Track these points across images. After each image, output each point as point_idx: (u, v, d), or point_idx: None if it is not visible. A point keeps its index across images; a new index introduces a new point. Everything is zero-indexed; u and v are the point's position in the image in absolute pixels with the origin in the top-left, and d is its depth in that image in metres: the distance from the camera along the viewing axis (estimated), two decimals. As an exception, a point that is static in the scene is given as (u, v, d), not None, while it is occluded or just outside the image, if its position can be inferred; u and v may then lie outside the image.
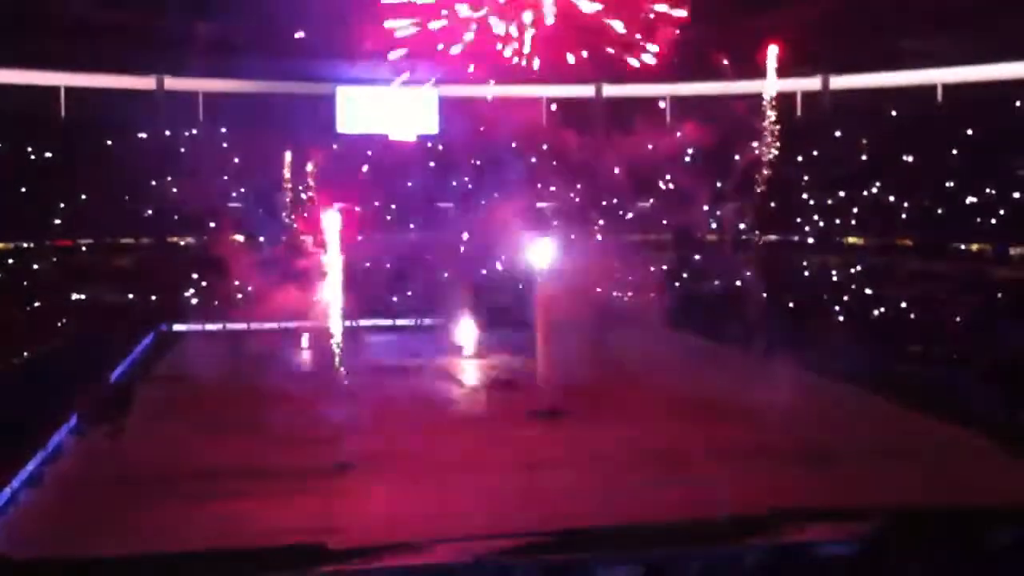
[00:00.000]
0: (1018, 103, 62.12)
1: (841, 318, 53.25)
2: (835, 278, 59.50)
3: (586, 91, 75.19)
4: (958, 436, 32.99)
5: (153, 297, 59.81)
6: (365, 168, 69.08)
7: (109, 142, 67.23)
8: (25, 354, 43.26)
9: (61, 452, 32.27)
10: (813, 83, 71.54)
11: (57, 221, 63.35)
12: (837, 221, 63.09)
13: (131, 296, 59.59)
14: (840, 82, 71.22)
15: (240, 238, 64.19)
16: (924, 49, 65.93)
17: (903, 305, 51.72)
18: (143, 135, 70.37)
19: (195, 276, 60.81)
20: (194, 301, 60.48)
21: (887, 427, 34.86)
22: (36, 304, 53.37)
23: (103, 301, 57.98)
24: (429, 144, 73.76)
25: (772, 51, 59.66)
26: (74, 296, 57.79)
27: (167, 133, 71.02)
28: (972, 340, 43.50)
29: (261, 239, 62.63)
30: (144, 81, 71.62)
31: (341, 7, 61.27)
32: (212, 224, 64.03)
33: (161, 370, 48.20)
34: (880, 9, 65.16)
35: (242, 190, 66.16)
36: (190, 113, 73.52)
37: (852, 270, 59.29)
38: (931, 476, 28.35)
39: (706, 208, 65.58)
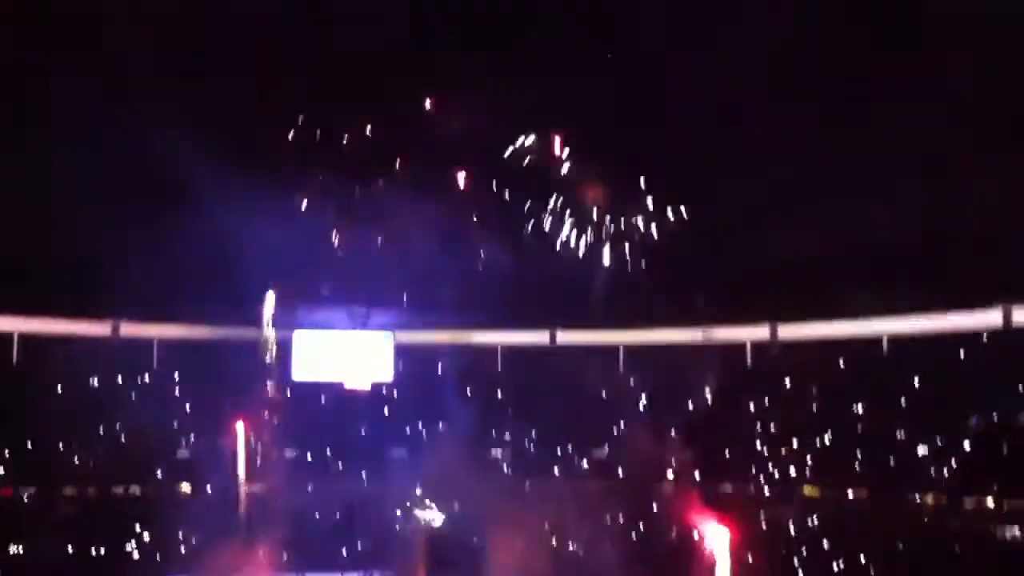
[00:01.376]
0: (962, 354, 63.38)
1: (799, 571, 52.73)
2: (791, 530, 59.16)
3: (540, 337, 76.03)
4: None
5: (95, 549, 58.15)
6: (318, 415, 68.72)
7: (60, 388, 66.39)
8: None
9: None
10: (762, 332, 72.84)
11: (0, 470, 61.92)
12: (792, 471, 63.01)
13: (71, 549, 57.83)
14: (788, 331, 72.56)
15: (187, 488, 63.05)
16: (868, 300, 67.55)
17: (862, 560, 51.31)
18: (94, 381, 69.69)
19: (139, 528, 59.44)
20: (137, 555, 59.04)
21: None
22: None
23: (43, 553, 56.29)
24: (384, 391, 73.75)
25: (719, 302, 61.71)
26: (12, 549, 56.01)
27: (119, 380, 70.41)
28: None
29: (208, 489, 61.38)
30: (99, 327, 71.49)
31: (300, 255, 62.68)
32: (159, 473, 63.03)
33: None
34: (825, 260, 67.14)
35: (191, 438, 65.25)
36: (144, 359, 73.16)
37: (808, 521, 59.09)
38: None
39: (661, 456, 65.57)
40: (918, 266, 62.92)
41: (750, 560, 54.65)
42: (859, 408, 64.59)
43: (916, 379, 63.59)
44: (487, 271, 62.37)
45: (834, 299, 68.43)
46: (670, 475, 65.95)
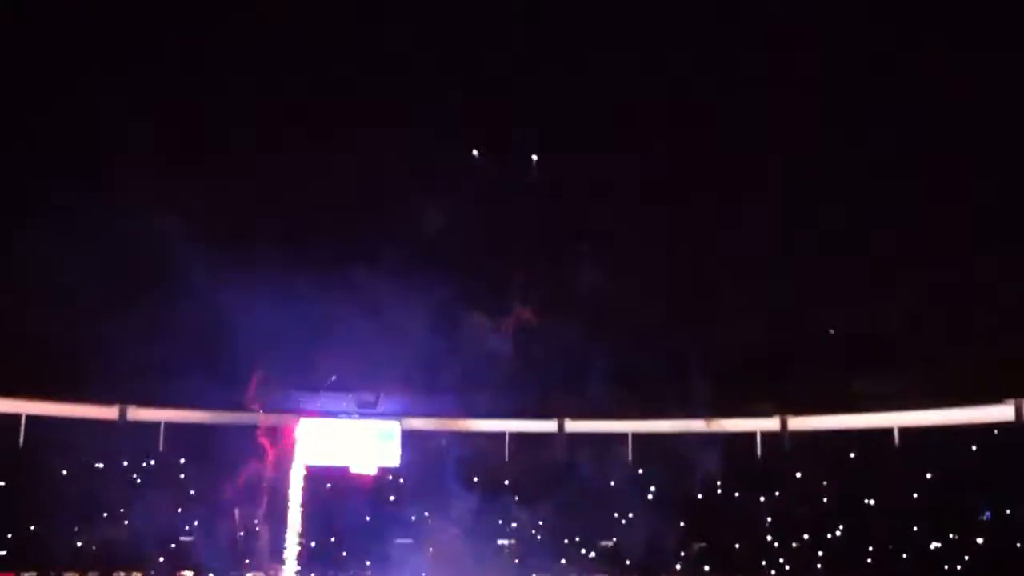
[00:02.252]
0: (974, 447, 62.93)
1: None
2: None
3: (548, 426, 75.66)
4: None
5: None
6: (323, 500, 68.12)
7: (65, 471, 66.05)
8: None
9: None
10: (772, 423, 72.43)
11: (2, 552, 61.30)
12: (801, 563, 62.07)
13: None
14: (798, 423, 72.15)
15: (190, 574, 62.32)
16: (878, 391, 67.26)
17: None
18: (100, 464, 69.41)
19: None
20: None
21: None
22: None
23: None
24: (390, 477, 73.22)
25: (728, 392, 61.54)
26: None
27: (124, 463, 70.10)
28: None
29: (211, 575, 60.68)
30: (107, 411, 71.47)
31: (306, 341, 62.87)
32: (161, 559, 62.32)
33: None
34: (833, 350, 67.17)
35: (195, 523, 64.65)
36: (150, 442, 73.02)
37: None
38: None
39: (669, 546, 64.86)
40: (930, 359, 62.94)
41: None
42: (871, 501, 63.89)
43: (928, 473, 63.05)
44: (494, 359, 62.51)
45: (844, 391, 68.29)
46: (678, 567, 65.17)
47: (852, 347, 66.94)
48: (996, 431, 63.57)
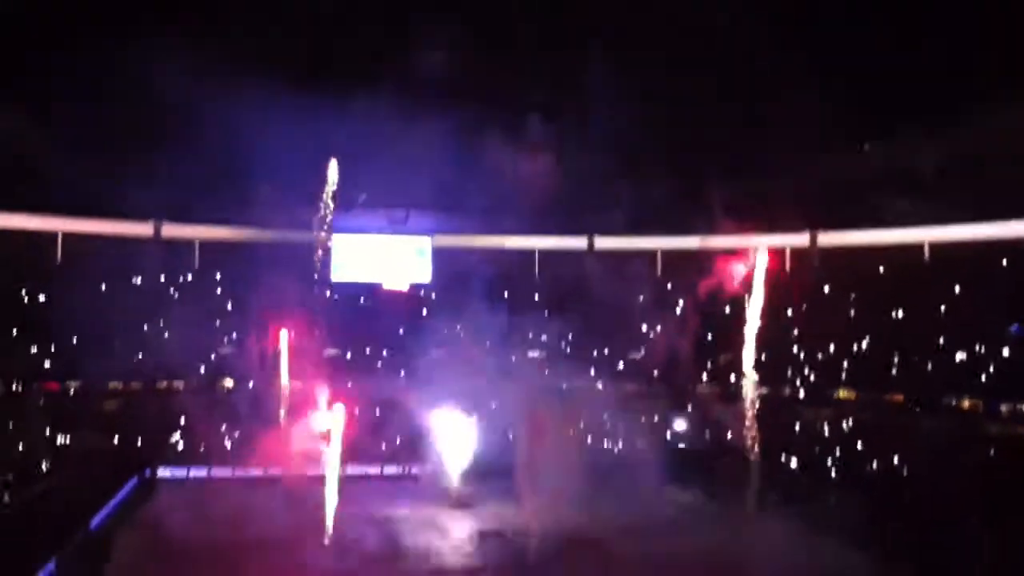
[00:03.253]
0: (1005, 261, 62.76)
1: (835, 474, 53.11)
2: (826, 433, 59.49)
3: (578, 243, 76.05)
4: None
5: (139, 442, 59.47)
6: (357, 316, 69.39)
7: (104, 286, 67.31)
8: (4, 499, 42.52)
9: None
10: (802, 239, 72.41)
11: (47, 364, 63.10)
12: (827, 375, 63.11)
13: (116, 441, 59.14)
14: (828, 239, 72.11)
15: (229, 383, 64.21)
16: (911, 208, 66.87)
17: (895, 461, 51.51)
18: (138, 280, 70.66)
19: (182, 421, 60.66)
20: (180, 447, 60.38)
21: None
22: (20, 448, 52.67)
23: (88, 446, 57.47)
24: (422, 292, 74.26)
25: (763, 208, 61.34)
26: (59, 440, 57.24)
27: (162, 279, 71.32)
28: (966, 498, 43.09)
29: (250, 384, 62.31)
30: (141, 227, 72.24)
31: (340, 157, 62.90)
32: (202, 369, 64.15)
33: (143, 516, 47.51)
34: (867, 169, 66.48)
35: (233, 336, 66.13)
36: (185, 260, 74.06)
37: (843, 425, 59.39)
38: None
39: (697, 360, 66.01)
40: (961, 175, 62.20)
41: (783, 461, 55.16)
42: (898, 314, 64.40)
43: (956, 286, 63.17)
44: (526, 176, 62.35)
45: (876, 207, 67.96)
46: (704, 379, 66.54)
47: (884, 163, 66.22)
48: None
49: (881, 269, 68.40)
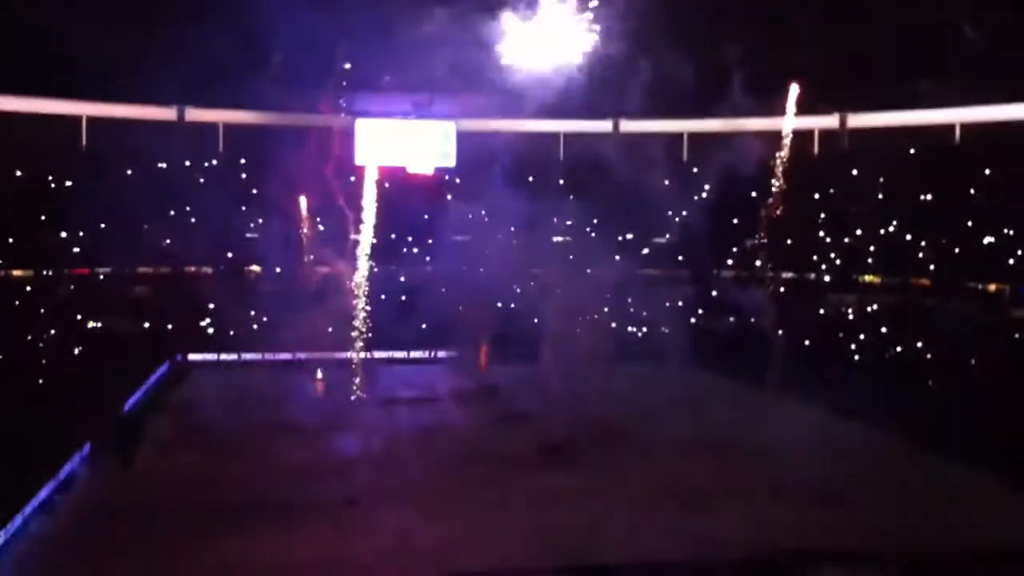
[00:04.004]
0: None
1: (857, 357, 53.23)
2: (851, 317, 59.49)
3: (603, 126, 75.34)
4: (971, 477, 32.88)
5: (169, 327, 60.13)
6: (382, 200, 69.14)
7: (129, 171, 67.41)
8: (39, 382, 43.28)
9: (73, 481, 32.38)
10: (831, 121, 71.45)
11: (76, 249, 63.58)
12: (853, 260, 62.81)
13: (147, 325, 59.85)
14: (858, 120, 71.09)
15: (257, 268, 64.62)
16: (942, 89, 65.69)
17: (919, 345, 51.54)
18: (163, 165, 70.71)
19: (211, 306, 61.24)
20: (209, 331, 61.03)
21: (901, 468, 34.77)
22: (52, 331, 53.42)
23: (119, 330, 58.17)
24: (447, 176, 74.01)
25: (792, 90, 60.14)
26: (90, 324, 57.95)
27: (187, 163, 71.33)
28: (987, 380, 43.27)
29: (277, 270, 62.65)
30: (165, 112, 72.06)
31: (363, 40, 61.92)
32: (229, 255, 64.49)
33: (174, 400, 48.36)
34: (899, 49, 65.06)
35: (259, 221, 66.28)
36: (210, 144, 74.02)
37: (868, 309, 59.33)
38: (944, 518, 28.24)
39: (722, 244, 65.87)
40: (988, 57, 60.83)
41: (807, 346, 55.26)
42: (926, 197, 63.77)
43: (987, 169, 62.34)
44: (551, 59, 61.25)
45: (905, 88, 66.81)
46: (730, 262, 66.38)
47: (917, 46, 64.77)
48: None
49: (912, 151, 67.58)
